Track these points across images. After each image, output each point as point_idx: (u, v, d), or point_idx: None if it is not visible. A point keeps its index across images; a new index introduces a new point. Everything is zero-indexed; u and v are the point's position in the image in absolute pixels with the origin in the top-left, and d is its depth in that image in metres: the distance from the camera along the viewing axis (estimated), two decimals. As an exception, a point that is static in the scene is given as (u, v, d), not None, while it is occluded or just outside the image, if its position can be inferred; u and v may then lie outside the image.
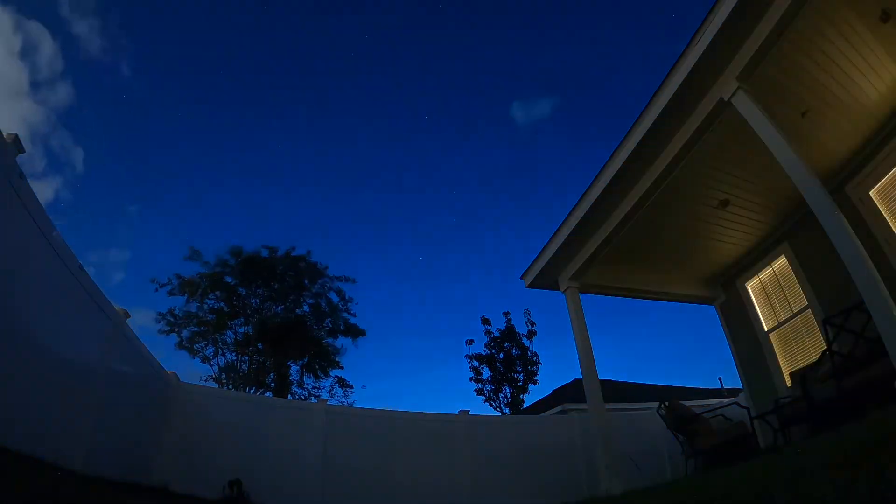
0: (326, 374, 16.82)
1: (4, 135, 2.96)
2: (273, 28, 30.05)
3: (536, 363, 18.93)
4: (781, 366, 6.61)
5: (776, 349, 6.75)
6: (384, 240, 36.97)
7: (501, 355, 19.00)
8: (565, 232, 6.34)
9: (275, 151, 31.23)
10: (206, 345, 15.19)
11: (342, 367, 16.83)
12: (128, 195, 30.01)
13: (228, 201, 31.52)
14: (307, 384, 16.76)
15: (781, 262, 6.72)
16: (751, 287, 7.32)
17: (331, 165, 33.83)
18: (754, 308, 7.17)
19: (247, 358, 15.29)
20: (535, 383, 18.82)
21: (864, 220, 5.30)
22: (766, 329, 6.93)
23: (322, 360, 16.53)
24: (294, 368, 16.73)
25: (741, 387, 7.50)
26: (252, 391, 14.62)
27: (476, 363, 19.09)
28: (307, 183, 34.67)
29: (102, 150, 27.10)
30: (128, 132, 27.23)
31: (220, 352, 15.28)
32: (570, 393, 17.25)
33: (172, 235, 30.81)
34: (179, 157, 29.43)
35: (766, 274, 7.05)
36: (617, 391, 16.36)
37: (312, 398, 16.39)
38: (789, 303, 6.59)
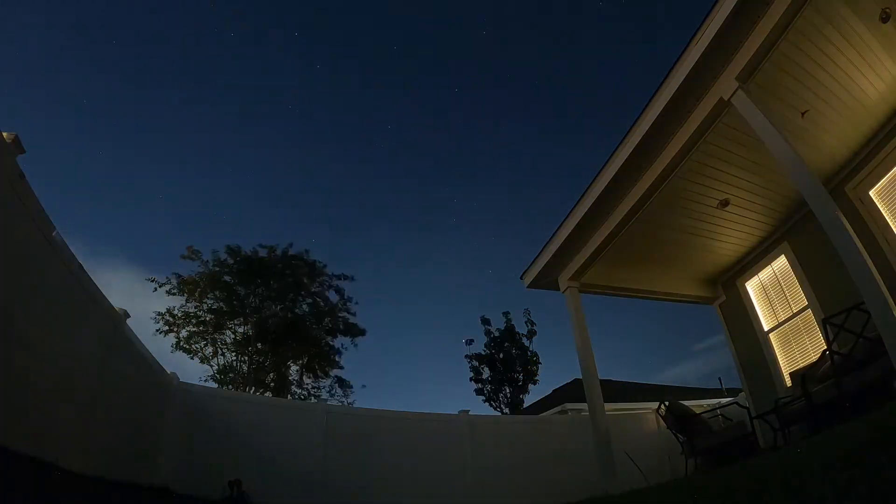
0: (326, 375, 16.81)
1: (4, 135, 2.96)
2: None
3: (536, 363, 18.95)
4: (781, 366, 6.62)
5: (776, 349, 6.75)
6: (384, 238, 37.08)
7: (501, 355, 19.00)
8: (565, 231, 6.34)
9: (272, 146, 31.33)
10: (205, 345, 15.17)
11: (342, 367, 16.84)
12: (126, 192, 29.98)
13: (226, 199, 31.58)
14: (307, 384, 16.75)
15: (781, 262, 6.72)
16: (751, 287, 7.32)
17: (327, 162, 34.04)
18: (754, 308, 7.18)
19: (246, 358, 15.27)
20: (535, 383, 18.84)
21: (864, 220, 5.30)
22: (766, 329, 6.93)
23: (322, 360, 16.52)
24: (293, 368, 16.74)
25: (741, 387, 7.50)
26: (252, 391, 14.62)
27: (476, 363, 19.11)
28: (305, 178, 34.82)
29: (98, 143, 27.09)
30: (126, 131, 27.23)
31: (220, 352, 15.27)
32: (570, 393, 17.26)
33: (170, 235, 30.84)
34: (176, 156, 29.43)
35: (766, 274, 7.05)
36: (617, 391, 16.37)
37: (312, 398, 16.40)
38: (789, 303, 6.59)
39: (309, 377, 16.78)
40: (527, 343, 19.14)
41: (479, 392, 18.77)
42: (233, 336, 15.41)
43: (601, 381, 6.41)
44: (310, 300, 16.32)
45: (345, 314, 16.49)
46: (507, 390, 18.59)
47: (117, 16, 23.39)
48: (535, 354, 19.07)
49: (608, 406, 6.44)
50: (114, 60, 25.00)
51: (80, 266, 3.94)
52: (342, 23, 30.75)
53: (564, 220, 6.37)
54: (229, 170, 31.93)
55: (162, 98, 27.36)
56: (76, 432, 3.79)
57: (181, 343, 14.85)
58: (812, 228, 5.48)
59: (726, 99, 4.28)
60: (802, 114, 4.89)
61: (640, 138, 5.00)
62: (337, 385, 16.83)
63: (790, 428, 5.06)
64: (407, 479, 7.28)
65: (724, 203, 5.99)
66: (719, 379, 18.97)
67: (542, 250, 6.87)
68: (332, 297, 16.39)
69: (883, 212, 5.29)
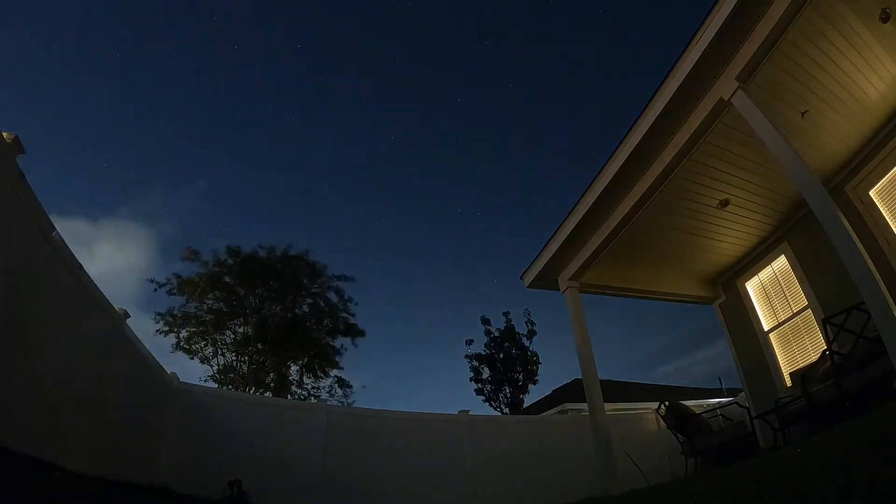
0: (326, 375, 16.83)
1: (4, 135, 2.96)
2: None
3: (536, 363, 18.97)
4: (781, 366, 6.61)
5: (776, 349, 6.75)
6: (384, 240, 37.11)
7: (501, 355, 19.02)
8: (565, 231, 6.34)
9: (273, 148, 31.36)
10: (206, 345, 15.18)
11: (342, 368, 16.85)
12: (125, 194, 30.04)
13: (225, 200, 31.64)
14: (307, 384, 16.77)
15: (781, 262, 6.72)
16: (751, 287, 7.32)
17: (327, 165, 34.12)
18: (754, 308, 7.18)
19: (246, 358, 15.28)
20: (535, 383, 18.87)
21: (864, 220, 5.30)
22: (766, 329, 6.93)
23: (321, 360, 16.53)
24: (293, 368, 16.74)
25: (741, 387, 7.50)
26: (252, 391, 14.62)
27: (476, 363, 19.12)
28: (307, 180, 34.86)
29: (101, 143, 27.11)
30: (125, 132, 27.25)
31: (220, 352, 15.28)
32: (570, 393, 17.25)
33: (170, 235, 30.87)
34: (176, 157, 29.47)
35: (766, 274, 7.05)
36: (617, 391, 16.37)
37: (312, 398, 16.40)
38: (789, 303, 6.59)
39: (309, 377, 16.80)
40: (527, 343, 19.17)
41: (479, 392, 18.81)
42: (233, 336, 15.42)
43: (601, 381, 6.40)
44: (310, 300, 16.34)
45: (345, 314, 16.51)
46: (507, 390, 18.61)
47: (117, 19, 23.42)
48: (535, 354, 19.11)
49: (608, 406, 6.44)
50: (116, 59, 25.03)
51: (80, 266, 3.94)
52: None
53: (564, 219, 6.37)
54: (230, 170, 31.99)
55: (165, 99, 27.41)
56: (76, 432, 3.79)
57: (181, 343, 14.87)
58: (812, 228, 5.48)
59: (726, 99, 4.27)
60: (802, 114, 4.88)
61: (640, 138, 5.00)
62: (337, 385, 16.85)
63: (790, 428, 5.06)
64: (407, 479, 7.28)
65: (724, 203, 5.99)
66: (719, 379, 18.96)
67: (542, 250, 6.87)
68: (333, 297, 16.41)
69: (883, 212, 5.29)
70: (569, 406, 14.86)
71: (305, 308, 16.32)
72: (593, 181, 5.79)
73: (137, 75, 26.52)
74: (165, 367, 6.20)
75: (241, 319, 15.34)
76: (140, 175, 29.24)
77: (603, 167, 5.62)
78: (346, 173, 36.82)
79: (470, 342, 19.45)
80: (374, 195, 37.82)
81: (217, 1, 27.89)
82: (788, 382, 6.29)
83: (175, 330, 14.80)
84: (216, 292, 14.98)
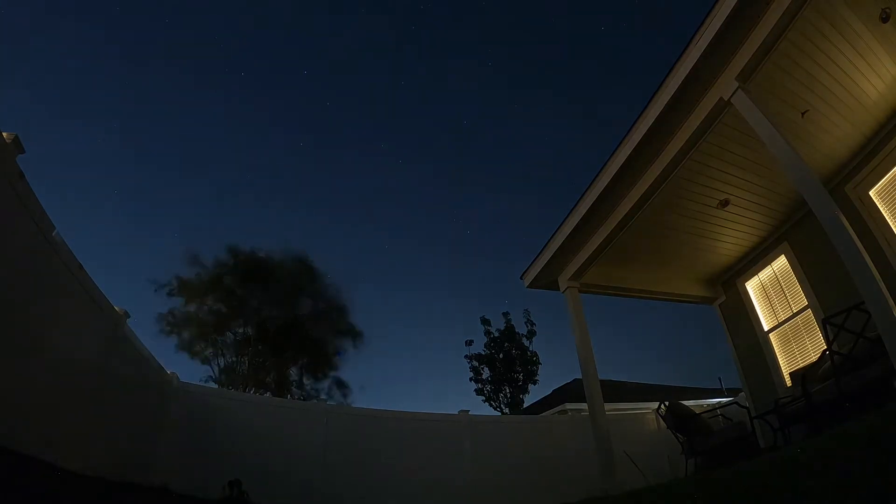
0: (325, 375, 16.84)
1: (4, 135, 2.96)
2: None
3: (536, 363, 18.97)
4: (781, 366, 6.61)
5: (776, 349, 6.75)
6: (383, 241, 37.15)
7: (501, 355, 19.02)
8: (565, 231, 6.34)
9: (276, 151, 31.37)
10: (206, 345, 15.20)
11: (341, 366, 16.85)
12: (126, 195, 30.05)
13: (226, 202, 31.66)
14: (306, 385, 16.78)
15: (781, 262, 6.71)
16: (751, 287, 7.32)
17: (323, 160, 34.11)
18: (754, 308, 7.17)
19: (246, 358, 15.29)
20: (535, 383, 18.89)
21: (864, 220, 5.30)
22: (765, 329, 6.92)
23: (321, 361, 16.54)
24: (293, 369, 16.75)
25: (741, 387, 7.50)
26: (252, 391, 14.63)
27: (476, 363, 19.12)
28: (307, 181, 34.89)
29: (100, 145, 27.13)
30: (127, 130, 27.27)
31: (220, 352, 15.29)
32: (570, 393, 17.23)
33: (171, 237, 30.90)
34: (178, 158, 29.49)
35: (766, 274, 7.05)
36: (617, 391, 16.35)
37: (312, 399, 16.41)
38: (789, 303, 6.59)
39: (308, 378, 16.81)
40: (527, 343, 19.18)
41: (479, 392, 18.81)
42: (233, 337, 15.44)
43: (601, 381, 6.40)
44: (309, 301, 16.36)
45: (344, 315, 16.52)
46: (507, 390, 18.62)
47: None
48: (535, 354, 19.12)
49: (608, 406, 6.43)
50: (117, 59, 25.05)
51: (80, 266, 3.94)
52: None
53: (564, 219, 6.37)
54: (233, 173, 32.05)
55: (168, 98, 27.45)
56: (76, 433, 3.79)
57: (183, 344, 14.88)
58: (812, 228, 5.47)
59: (726, 99, 4.27)
60: (802, 114, 4.88)
61: (640, 138, 5.00)
62: (336, 386, 16.86)
63: (790, 428, 5.06)
64: (407, 479, 7.28)
65: (724, 203, 5.99)
66: (719, 379, 18.96)
67: (542, 250, 6.87)
68: (332, 298, 16.42)
69: (883, 212, 5.28)
70: (569, 406, 14.85)
71: (305, 309, 16.35)
72: (593, 181, 5.78)
73: (142, 84, 26.52)
74: (166, 368, 6.21)
75: (242, 321, 15.36)
76: (140, 176, 29.22)
77: (603, 167, 5.62)
78: (347, 176, 36.84)
79: (470, 342, 19.47)
80: (374, 197, 37.84)
81: (226, 38, 28.06)
82: (788, 382, 6.29)
83: (176, 331, 14.82)
84: (217, 293, 15.01)
